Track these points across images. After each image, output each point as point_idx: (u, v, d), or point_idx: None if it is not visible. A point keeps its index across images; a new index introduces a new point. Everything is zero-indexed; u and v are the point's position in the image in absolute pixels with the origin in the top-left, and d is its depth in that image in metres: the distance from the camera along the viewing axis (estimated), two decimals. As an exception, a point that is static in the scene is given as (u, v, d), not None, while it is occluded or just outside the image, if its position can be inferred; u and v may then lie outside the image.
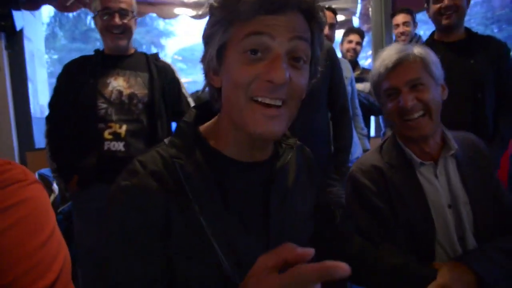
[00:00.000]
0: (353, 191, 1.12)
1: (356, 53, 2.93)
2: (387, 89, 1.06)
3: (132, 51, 1.79)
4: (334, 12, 2.42)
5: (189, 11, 3.57)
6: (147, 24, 12.40)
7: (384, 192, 1.07)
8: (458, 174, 1.08)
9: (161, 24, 12.08)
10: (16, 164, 0.70)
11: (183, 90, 1.86)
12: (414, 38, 2.84)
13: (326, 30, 2.32)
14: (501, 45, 1.86)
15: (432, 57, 1.07)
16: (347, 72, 2.36)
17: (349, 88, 2.31)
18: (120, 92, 1.66)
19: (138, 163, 0.66)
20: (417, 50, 1.06)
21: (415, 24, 2.92)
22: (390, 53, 1.07)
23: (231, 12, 0.62)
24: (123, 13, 1.66)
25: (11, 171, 0.67)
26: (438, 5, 1.80)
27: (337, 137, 1.78)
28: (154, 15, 3.57)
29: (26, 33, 3.07)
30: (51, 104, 1.76)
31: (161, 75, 1.76)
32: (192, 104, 1.83)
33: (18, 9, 2.84)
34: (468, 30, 1.89)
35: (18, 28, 2.85)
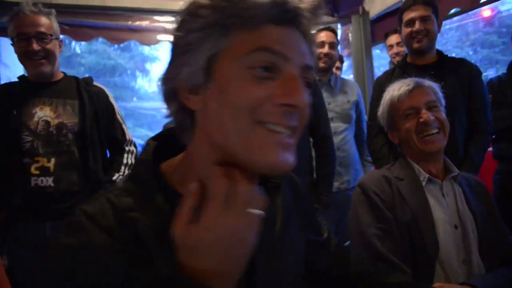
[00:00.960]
0: (361, 195, 1.16)
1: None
2: (407, 109, 1.18)
3: (59, 76, 1.69)
4: (334, 31, 2.40)
5: (171, 37, 3.56)
6: (132, 49, 12.46)
7: (390, 201, 1.11)
8: (463, 196, 1.15)
9: (146, 49, 12.15)
10: None
11: (117, 116, 1.75)
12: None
13: (326, 49, 2.28)
14: (472, 68, 1.91)
15: (438, 88, 1.24)
16: (353, 95, 2.31)
17: (352, 113, 2.25)
18: (47, 123, 1.56)
19: (83, 216, 0.53)
20: (427, 81, 1.23)
21: None
22: (404, 81, 1.22)
23: (231, 16, 0.51)
24: (42, 37, 1.56)
25: None
26: (410, 29, 1.85)
27: (318, 166, 1.75)
28: (138, 41, 3.55)
29: (3, 59, 3.02)
30: None
31: (93, 101, 1.65)
32: (126, 130, 1.73)
33: (-6, 35, 2.80)
34: (440, 53, 1.94)
35: (-6, 55, 2.80)
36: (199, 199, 0.47)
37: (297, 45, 0.53)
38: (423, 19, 1.83)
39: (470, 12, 3.33)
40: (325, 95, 2.23)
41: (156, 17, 3.51)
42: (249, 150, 0.51)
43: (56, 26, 1.64)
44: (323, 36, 2.34)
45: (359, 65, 3.70)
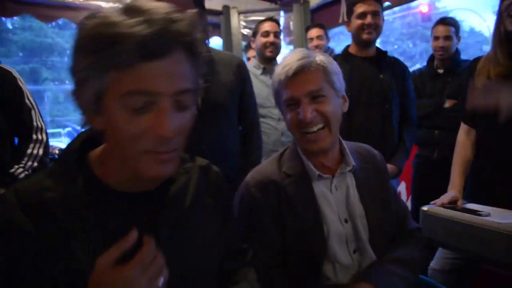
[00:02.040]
0: (241, 196, 1.07)
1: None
2: (287, 99, 1.01)
3: None
4: (277, 21, 2.47)
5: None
6: (72, 27, 11.65)
7: (275, 205, 1.03)
8: (356, 189, 1.08)
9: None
10: None
11: (26, 101, 1.63)
12: (327, 52, 2.99)
13: (271, 38, 2.34)
14: (404, 66, 2.09)
15: (334, 68, 1.04)
16: None
17: None
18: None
19: (12, 191, 0.62)
20: (320, 58, 1.02)
21: (328, 38, 3.08)
22: (292, 59, 1.00)
23: (107, 58, 0.55)
24: None
25: None
26: (361, 21, 1.94)
27: (246, 153, 1.79)
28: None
29: None
30: None
31: None
32: (36, 116, 1.64)
33: None
34: (377, 48, 2.06)
35: None
36: (132, 248, 0.57)
37: (169, 75, 0.58)
38: (374, 13, 1.93)
39: (409, 7, 3.52)
40: (270, 83, 2.29)
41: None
42: (135, 168, 0.61)
43: None
44: (267, 26, 2.39)
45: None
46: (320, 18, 3.71)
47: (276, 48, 2.38)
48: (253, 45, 2.48)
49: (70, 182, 0.62)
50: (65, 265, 0.59)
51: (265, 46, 2.37)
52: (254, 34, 2.45)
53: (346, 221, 1.06)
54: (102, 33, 0.54)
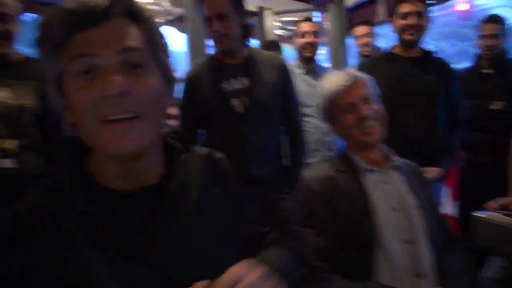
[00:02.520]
0: (299, 190, 1.21)
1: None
2: (345, 104, 1.22)
3: (20, 58, 1.62)
4: (315, 22, 2.49)
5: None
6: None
7: (328, 196, 1.15)
8: (405, 182, 1.20)
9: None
10: None
11: None
12: (375, 50, 2.87)
13: (310, 38, 2.34)
14: (450, 67, 2.01)
15: (370, 80, 1.30)
16: None
17: None
18: (6, 104, 1.52)
19: (8, 209, 0.60)
20: (360, 74, 1.28)
21: (375, 35, 2.96)
22: (340, 76, 1.26)
23: (50, 40, 0.56)
24: (2, 17, 1.51)
25: None
26: (404, 22, 1.88)
27: (291, 152, 1.78)
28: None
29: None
30: None
31: None
32: None
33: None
34: (423, 48, 1.99)
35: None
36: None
37: (109, 36, 0.55)
38: (418, 14, 1.86)
39: (446, 5, 3.40)
40: (312, 82, 2.32)
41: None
42: (99, 145, 0.58)
43: (16, 5, 1.57)
44: (305, 26, 2.40)
45: (336, 53, 3.73)
46: (357, 18, 3.65)
47: (315, 48, 2.39)
48: (292, 46, 2.48)
49: (65, 188, 0.59)
50: (69, 272, 0.56)
51: (303, 47, 2.37)
52: (293, 35, 2.46)
53: (397, 210, 1.14)
54: (39, 23, 0.56)
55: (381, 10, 3.46)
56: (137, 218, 0.60)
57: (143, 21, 0.59)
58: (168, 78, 0.64)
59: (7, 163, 1.48)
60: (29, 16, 2.03)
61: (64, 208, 0.58)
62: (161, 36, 0.63)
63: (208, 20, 1.58)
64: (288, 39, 4.17)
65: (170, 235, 0.61)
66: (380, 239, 1.08)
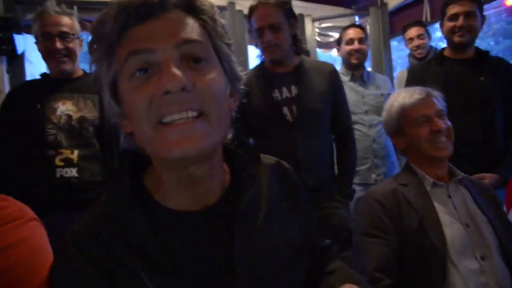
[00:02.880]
0: (363, 202, 1.21)
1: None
2: (419, 116, 1.22)
3: (80, 73, 1.74)
4: (361, 27, 2.42)
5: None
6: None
7: (394, 209, 1.13)
8: (471, 198, 1.17)
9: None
10: (13, 200, 0.69)
11: None
12: (430, 51, 2.78)
13: (356, 45, 2.31)
14: (509, 66, 1.90)
15: (441, 96, 1.29)
16: (385, 89, 2.35)
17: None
18: (70, 117, 1.61)
19: (70, 236, 0.55)
20: (432, 90, 1.29)
21: (429, 36, 2.84)
22: (415, 90, 1.27)
23: (104, 39, 0.52)
24: (64, 36, 1.62)
25: (7, 209, 0.65)
26: (453, 24, 1.83)
27: (341, 160, 1.76)
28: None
29: (27, 55, 3.09)
30: None
31: None
32: None
33: (19, 33, 2.87)
34: (477, 48, 1.92)
35: (19, 52, 2.87)
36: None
37: (165, 30, 0.51)
38: (467, 14, 1.80)
39: (493, 2, 3.23)
40: (359, 89, 2.31)
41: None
42: (158, 150, 0.51)
43: (77, 25, 1.70)
44: (351, 33, 2.35)
45: (377, 57, 3.66)
46: (400, 21, 3.56)
47: (362, 55, 2.34)
48: (339, 53, 2.45)
49: (128, 213, 0.54)
50: None
51: (349, 53, 2.33)
52: (339, 42, 2.42)
53: (467, 225, 1.11)
54: (92, 24, 0.54)
55: (427, 11, 3.34)
56: (210, 237, 0.56)
57: (202, 13, 0.55)
58: (232, 74, 0.59)
59: (70, 172, 1.57)
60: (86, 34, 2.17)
61: (124, 233, 0.53)
62: (222, 28, 0.58)
63: (259, 30, 1.61)
64: (327, 45, 4.13)
65: (243, 255, 0.56)
66: (451, 255, 1.06)
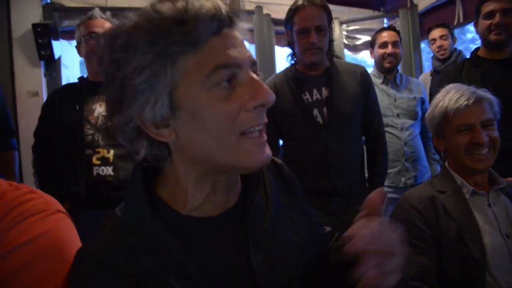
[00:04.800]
0: (399, 208, 1.15)
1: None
2: (461, 125, 1.13)
3: None
4: (395, 30, 2.37)
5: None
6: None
7: (432, 217, 1.08)
8: None
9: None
10: (40, 193, 0.69)
11: None
12: (454, 53, 2.71)
13: (390, 49, 2.26)
14: None
15: (496, 101, 1.18)
16: (418, 92, 2.29)
17: (418, 110, 2.23)
18: (106, 118, 1.64)
19: (87, 254, 0.54)
20: (486, 94, 1.17)
21: (453, 38, 2.77)
22: (463, 92, 1.15)
23: (172, 44, 0.50)
24: None
25: (32, 201, 0.66)
26: (489, 22, 1.76)
27: (372, 162, 1.73)
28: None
29: (63, 60, 3.23)
30: (36, 133, 1.75)
31: None
32: None
33: (57, 39, 3.00)
34: None
35: (56, 57, 3.00)
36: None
37: (240, 46, 0.54)
38: (504, 11, 1.73)
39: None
40: (391, 92, 2.25)
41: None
42: (237, 160, 0.53)
43: None
44: (385, 36, 2.29)
45: (407, 59, 3.58)
46: (431, 22, 3.48)
47: (395, 58, 2.27)
48: (372, 56, 2.41)
49: (150, 228, 0.54)
50: None
51: (383, 57, 2.27)
52: (372, 44, 2.37)
53: (508, 236, 1.05)
54: (158, 17, 0.49)
55: (460, 11, 3.25)
56: (229, 240, 0.58)
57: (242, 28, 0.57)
58: None
59: (106, 170, 1.62)
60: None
61: (148, 243, 0.54)
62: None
63: (303, 31, 1.58)
64: (354, 48, 4.09)
65: (258, 255, 0.59)
66: (490, 266, 1.01)
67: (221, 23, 0.52)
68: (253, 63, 0.55)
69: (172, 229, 0.55)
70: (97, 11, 1.70)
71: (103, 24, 1.69)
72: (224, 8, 0.52)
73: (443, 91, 1.21)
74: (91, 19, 1.69)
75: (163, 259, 0.53)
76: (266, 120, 0.55)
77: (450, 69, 1.99)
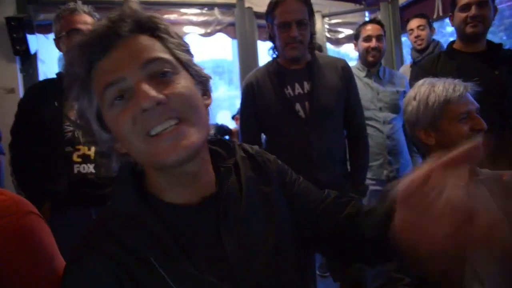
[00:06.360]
0: None
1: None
2: (463, 112, 1.14)
3: None
4: (380, 23, 2.35)
5: (197, 29, 3.61)
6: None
7: None
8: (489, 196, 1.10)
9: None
10: (8, 193, 0.67)
11: None
12: (432, 44, 2.72)
13: (374, 43, 2.25)
14: None
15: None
16: (401, 86, 2.29)
17: (400, 103, 2.23)
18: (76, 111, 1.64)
19: (81, 240, 0.58)
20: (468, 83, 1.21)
21: (431, 29, 2.76)
22: (454, 82, 1.17)
23: (77, 79, 0.57)
24: None
25: (1, 203, 0.64)
26: (465, 14, 1.77)
27: (354, 156, 1.75)
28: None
29: (40, 55, 3.13)
30: (13, 131, 1.70)
31: None
32: None
33: (32, 33, 2.91)
34: (489, 41, 1.85)
35: (32, 52, 2.91)
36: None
37: (126, 57, 0.56)
38: (480, 4, 1.74)
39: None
40: (374, 85, 2.26)
41: (183, 10, 3.56)
42: (152, 160, 0.57)
43: None
44: (370, 29, 2.28)
45: (388, 52, 3.62)
46: (411, 16, 3.52)
47: (379, 52, 2.26)
48: (356, 49, 2.41)
49: (137, 209, 0.59)
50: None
51: (367, 51, 2.27)
52: (356, 37, 2.36)
53: None
54: (63, 66, 0.59)
55: (440, 4, 3.30)
56: (207, 228, 0.61)
57: (155, 29, 0.60)
58: (199, 76, 0.63)
59: (87, 168, 1.59)
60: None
61: (134, 228, 0.57)
62: (178, 37, 0.62)
63: (283, 25, 1.57)
64: (336, 41, 4.11)
65: (232, 246, 0.61)
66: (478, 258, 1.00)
67: (108, 42, 0.56)
68: (146, 63, 0.56)
69: (156, 213, 0.59)
70: (79, 5, 1.63)
71: (86, 19, 1.63)
72: (110, 24, 0.56)
73: (424, 85, 1.20)
74: (73, 14, 1.62)
75: (146, 240, 0.56)
76: (172, 115, 0.55)
77: (425, 62, 2.00)
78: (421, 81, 1.24)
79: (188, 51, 0.63)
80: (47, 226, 0.70)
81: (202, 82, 0.64)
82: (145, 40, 0.58)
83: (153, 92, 0.53)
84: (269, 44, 1.73)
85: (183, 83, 0.58)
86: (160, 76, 0.56)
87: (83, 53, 0.56)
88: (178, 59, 0.60)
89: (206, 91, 0.65)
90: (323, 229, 0.71)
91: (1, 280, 0.58)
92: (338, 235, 0.70)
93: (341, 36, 4.08)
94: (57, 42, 1.68)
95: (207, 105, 0.65)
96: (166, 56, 0.58)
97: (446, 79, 1.19)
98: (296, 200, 0.73)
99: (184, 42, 0.63)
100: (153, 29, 0.59)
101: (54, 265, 0.65)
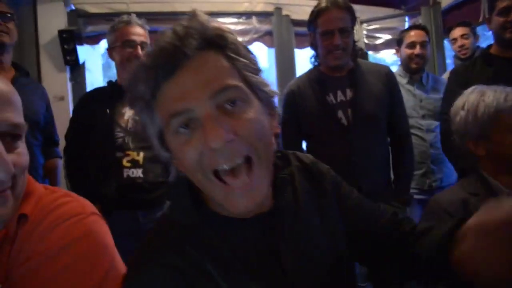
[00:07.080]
0: (430, 211, 1.15)
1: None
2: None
3: None
4: (425, 29, 2.28)
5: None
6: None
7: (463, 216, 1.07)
8: None
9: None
10: (75, 196, 0.71)
11: None
12: (476, 52, 2.62)
13: (418, 50, 2.18)
14: None
15: None
16: None
17: None
18: (136, 121, 1.68)
19: (145, 253, 0.59)
20: None
21: (475, 36, 2.70)
22: (506, 90, 1.13)
23: (140, 99, 0.56)
24: (143, 46, 1.73)
25: (68, 204, 0.68)
26: (503, 19, 1.70)
27: (398, 164, 1.71)
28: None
29: (87, 65, 3.30)
30: (68, 136, 1.80)
31: None
32: None
33: (81, 44, 3.08)
34: None
35: (81, 62, 3.08)
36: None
37: (194, 83, 0.52)
38: None
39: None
40: (417, 92, 2.20)
41: (221, 19, 3.63)
42: (218, 200, 0.56)
43: (147, 33, 1.81)
44: (414, 35, 2.21)
45: (432, 59, 3.51)
46: (455, 19, 3.40)
47: (423, 59, 2.19)
48: (398, 55, 2.34)
49: (196, 226, 0.59)
50: None
51: (410, 58, 2.19)
52: (399, 43, 2.30)
53: None
54: (126, 83, 0.58)
55: (485, 6, 3.16)
56: (264, 241, 0.61)
57: (224, 47, 0.56)
58: (267, 97, 0.59)
59: (136, 172, 1.66)
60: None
61: (197, 243, 0.57)
62: (246, 51, 0.58)
63: (326, 34, 1.57)
64: (375, 47, 4.03)
65: (289, 255, 0.61)
66: None
67: (175, 62, 0.53)
68: (219, 92, 0.52)
69: (212, 226, 0.59)
70: (134, 18, 1.73)
71: (139, 31, 1.73)
72: (176, 42, 0.53)
73: (473, 94, 1.16)
74: (128, 26, 1.72)
75: (207, 252, 0.57)
76: (242, 153, 0.53)
77: (459, 67, 1.92)
78: (470, 89, 1.19)
79: (256, 70, 0.59)
80: (107, 226, 0.74)
81: (269, 102, 0.61)
82: (214, 60, 0.54)
83: (222, 131, 0.50)
84: (306, 52, 1.73)
85: (252, 114, 0.54)
86: (230, 104, 0.53)
87: (149, 74, 0.54)
88: (247, 81, 0.56)
89: (271, 110, 0.61)
90: (377, 245, 0.70)
91: (66, 276, 0.61)
92: (392, 252, 0.68)
93: (379, 42, 4.00)
94: (110, 52, 1.78)
95: (276, 134, 0.65)
96: (236, 82, 0.54)
97: (497, 86, 1.15)
98: (350, 213, 0.72)
99: (253, 57, 0.59)
100: (222, 46, 0.56)
101: (114, 264, 0.68)
